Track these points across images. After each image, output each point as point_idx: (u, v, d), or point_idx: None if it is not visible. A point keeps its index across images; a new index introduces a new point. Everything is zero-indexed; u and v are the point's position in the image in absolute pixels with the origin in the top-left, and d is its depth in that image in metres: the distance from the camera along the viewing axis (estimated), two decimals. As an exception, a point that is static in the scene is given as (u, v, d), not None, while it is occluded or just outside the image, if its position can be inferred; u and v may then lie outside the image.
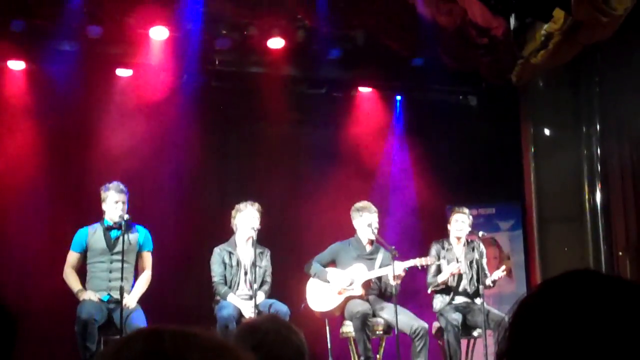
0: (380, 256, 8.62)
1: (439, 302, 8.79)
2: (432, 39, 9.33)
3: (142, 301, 8.04)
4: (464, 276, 8.83)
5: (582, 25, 8.86)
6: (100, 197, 8.08)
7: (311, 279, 8.70)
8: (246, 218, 8.40)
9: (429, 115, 11.29)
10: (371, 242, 8.75)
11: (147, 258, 8.20)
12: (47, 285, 8.67)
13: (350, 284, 8.53)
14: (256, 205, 8.46)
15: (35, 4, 8.71)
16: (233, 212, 8.52)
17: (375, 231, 8.55)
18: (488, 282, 8.63)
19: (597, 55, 10.35)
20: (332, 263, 8.79)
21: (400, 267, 8.29)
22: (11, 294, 8.22)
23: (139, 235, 8.12)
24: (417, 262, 8.48)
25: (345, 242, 8.84)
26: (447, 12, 9.08)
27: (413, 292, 9.16)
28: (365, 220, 8.62)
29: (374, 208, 8.71)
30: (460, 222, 8.88)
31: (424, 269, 8.69)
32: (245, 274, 8.38)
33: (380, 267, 8.56)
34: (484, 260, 8.85)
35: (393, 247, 8.26)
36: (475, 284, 8.69)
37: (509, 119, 10.95)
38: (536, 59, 9.53)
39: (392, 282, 8.29)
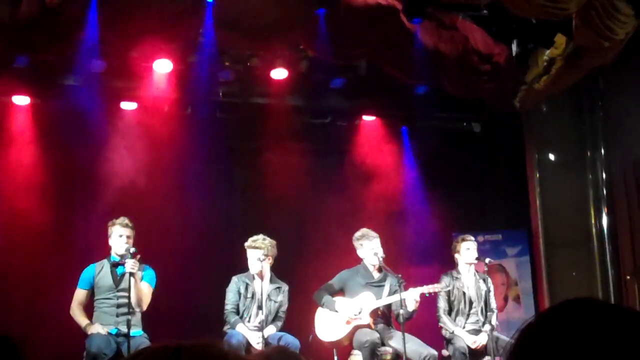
0: (388, 283, 8.59)
1: (447, 328, 8.77)
2: (434, 67, 9.35)
3: (150, 333, 8.02)
4: (474, 304, 8.81)
5: (584, 50, 8.88)
6: (107, 232, 8.09)
7: (320, 308, 8.68)
8: (250, 252, 8.42)
9: (433, 143, 11.30)
10: (379, 269, 8.73)
11: (146, 287, 8.13)
12: (55, 321, 8.69)
13: (358, 313, 8.50)
14: (264, 241, 8.45)
15: (40, 40, 8.75)
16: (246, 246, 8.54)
17: (381, 258, 8.53)
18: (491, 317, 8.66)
19: (599, 79, 10.37)
20: (341, 291, 8.77)
21: (415, 294, 8.29)
22: (19, 329, 8.24)
23: (144, 272, 8.11)
24: (426, 289, 8.46)
25: (353, 270, 8.83)
26: (448, 39, 9.10)
27: (422, 319, 9.11)
28: (367, 247, 8.62)
29: (372, 234, 8.70)
30: (471, 250, 8.86)
31: (431, 296, 8.66)
32: (259, 307, 8.35)
33: (388, 294, 8.53)
34: (492, 294, 8.83)
35: (399, 275, 8.25)
36: (483, 315, 8.65)
37: (513, 144, 10.95)
38: (539, 84, 9.54)
39: (409, 308, 8.27)
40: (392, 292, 8.47)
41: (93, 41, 8.71)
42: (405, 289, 8.42)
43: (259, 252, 8.37)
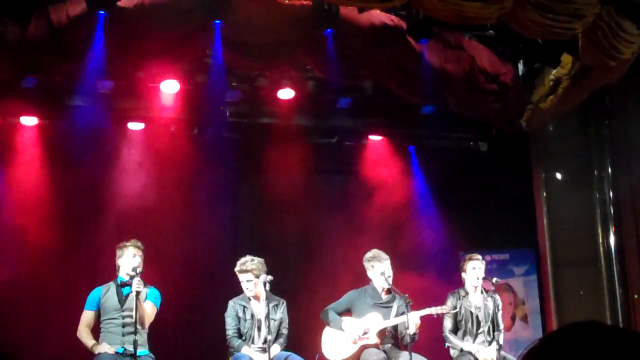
0: (396, 304, 8.55)
1: (455, 346, 8.75)
2: (440, 87, 9.36)
3: (156, 353, 8.02)
4: (482, 324, 8.79)
5: (590, 70, 8.89)
6: (116, 254, 8.10)
7: (326, 327, 8.67)
8: (241, 277, 8.39)
9: (440, 162, 11.30)
10: (387, 291, 8.71)
11: (150, 307, 8.11)
12: (62, 341, 8.69)
13: (365, 333, 8.49)
14: (252, 263, 8.43)
15: (48, 61, 8.79)
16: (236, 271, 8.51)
17: (390, 280, 8.52)
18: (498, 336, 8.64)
19: (606, 98, 10.37)
20: (348, 311, 8.75)
21: (415, 317, 8.26)
22: (26, 351, 8.25)
23: (149, 291, 8.11)
24: (433, 310, 8.45)
25: (361, 290, 8.81)
26: (455, 59, 9.13)
27: (429, 340, 9.09)
28: (377, 270, 8.59)
29: (384, 256, 8.67)
30: (478, 270, 8.84)
31: (439, 317, 8.65)
32: (259, 328, 8.34)
33: (395, 315, 8.50)
34: (500, 314, 8.81)
35: (406, 295, 8.23)
36: (491, 335, 8.61)
37: (520, 164, 10.94)
38: (545, 104, 9.56)
39: (410, 331, 8.24)
40: (399, 313, 8.43)
41: (100, 62, 8.75)
42: (413, 309, 8.42)
43: (248, 274, 8.33)
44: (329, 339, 8.63)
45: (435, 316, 8.55)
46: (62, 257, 9.59)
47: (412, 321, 8.21)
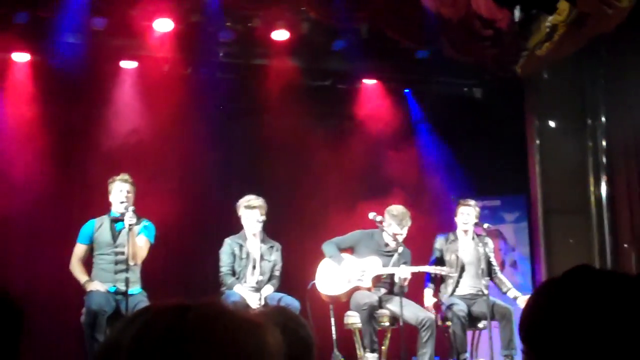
0: (397, 254, 8.53)
1: (443, 293, 8.81)
2: (436, 31, 9.30)
3: (149, 291, 8.05)
4: (470, 267, 8.84)
5: (587, 17, 8.85)
6: (107, 189, 8.10)
7: (324, 260, 8.70)
8: (248, 213, 8.40)
9: (433, 108, 11.29)
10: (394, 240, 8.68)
11: (144, 241, 8.10)
12: (54, 277, 8.74)
13: (362, 275, 8.53)
14: (258, 200, 8.45)
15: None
16: (237, 207, 8.52)
17: (399, 239, 8.50)
18: (504, 288, 8.69)
19: (602, 47, 10.32)
20: (350, 249, 8.78)
21: (408, 272, 8.33)
22: (18, 286, 8.28)
23: (142, 225, 8.11)
24: (431, 269, 8.55)
25: (368, 233, 8.83)
26: (451, 3, 9.06)
27: (421, 285, 9.14)
28: (392, 229, 8.53)
29: (406, 222, 8.61)
30: (465, 215, 8.91)
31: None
32: (254, 267, 8.37)
33: (393, 265, 8.50)
34: (492, 255, 8.86)
35: (409, 251, 8.44)
36: (486, 277, 8.63)
37: (513, 111, 10.92)
38: (541, 50, 9.52)
39: (403, 277, 8.30)
40: (398, 264, 8.43)
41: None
42: (413, 263, 8.51)
43: (257, 211, 8.36)
44: (325, 272, 8.66)
45: (432, 275, 8.66)
46: (54, 192, 9.59)
47: (404, 274, 8.29)
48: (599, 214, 10.51)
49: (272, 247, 8.51)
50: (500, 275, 8.93)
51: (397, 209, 8.64)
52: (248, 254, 8.41)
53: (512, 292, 8.75)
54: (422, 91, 11.46)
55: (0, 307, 2.36)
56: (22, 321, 2.40)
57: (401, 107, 11.24)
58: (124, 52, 10.04)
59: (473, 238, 8.92)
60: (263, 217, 8.31)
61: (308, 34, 10.01)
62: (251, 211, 8.37)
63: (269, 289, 8.28)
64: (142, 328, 1.38)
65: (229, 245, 8.47)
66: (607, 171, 10.54)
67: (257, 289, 8.12)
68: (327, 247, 8.71)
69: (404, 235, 8.61)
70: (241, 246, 8.44)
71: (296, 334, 2.94)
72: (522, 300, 8.50)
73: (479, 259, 8.75)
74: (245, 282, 8.35)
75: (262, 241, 8.37)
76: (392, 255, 8.59)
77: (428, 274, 8.81)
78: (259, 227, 8.30)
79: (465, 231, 8.95)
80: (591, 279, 1.67)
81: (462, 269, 8.85)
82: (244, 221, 8.48)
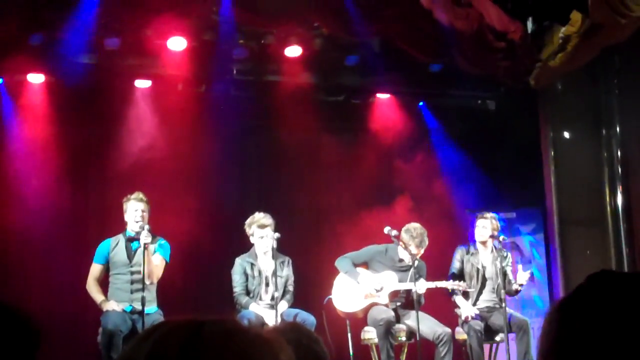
0: (413, 269, 8.48)
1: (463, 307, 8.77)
2: (450, 44, 9.31)
3: (165, 310, 8.07)
4: (490, 282, 8.82)
5: (600, 27, 8.83)
6: (123, 208, 8.13)
7: (340, 275, 8.68)
8: (261, 232, 8.40)
9: (447, 121, 11.29)
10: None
11: (159, 260, 8.11)
12: (71, 296, 8.77)
13: (379, 291, 8.51)
14: (267, 218, 8.44)
15: (54, 18, 8.76)
16: (246, 226, 8.52)
17: (415, 258, 8.46)
18: (515, 286, 8.59)
19: (615, 57, 10.30)
20: (364, 264, 8.77)
21: (424, 287, 8.31)
22: (35, 305, 8.28)
23: (158, 244, 8.13)
24: (449, 284, 8.52)
25: (382, 247, 8.81)
26: (464, 16, 9.06)
27: (437, 299, 9.11)
28: (411, 249, 8.47)
29: (425, 242, 8.53)
30: (481, 228, 8.92)
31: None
32: (267, 284, 8.38)
33: (410, 280, 8.45)
34: (509, 269, 8.83)
35: (424, 264, 8.46)
36: (502, 290, 8.59)
37: (528, 122, 10.89)
38: (554, 61, 9.50)
39: (420, 291, 8.27)
40: (414, 279, 8.37)
41: (105, 18, 8.73)
42: (430, 279, 8.48)
43: (267, 229, 8.36)
44: (341, 288, 8.65)
45: (450, 290, 8.63)
46: (70, 211, 9.64)
47: (421, 289, 8.26)
48: (615, 225, 10.46)
49: (283, 262, 8.50)
50: (513, 285, 8.82)
51: (415, 230, 8.53)
52: (260, 272, 8.42)
53: (518, 281, 8.64)
54: (436, 104, 11.46)
55: (18, 327, 2.37)
56: (39, 341, 2.41)
57: (415, 120, 11.24)
58: (137, 71, 10.09)
59: (492, 251, 8.90)
60: (277, 234, 8.31)
61: (321, 50, 10.05)
62: (264, 230, 8.37)
63: (283, 305, 8.27)
64: (156, 345, 1.39)
65: (239, 264, 8.48)
66: (622, 181, 10.49)
67: (273, 306, 8.12)
68: (342, 262, 8.70)
69: (421, 254, 8.59)
70: (252, 264, 8.44)
71: (310, 349, 2.94)
72: (523, 275, 8.49)
73: (497, 273, 8.72)
74: (260, 300, 8.35)
75: (273, 257, 8.38)
76: (406, 270, 8.56)
77: None
78: (270, 243, 8.31)
79: (484, 243, 8.93)
80: (617, 283, 1.67)
81: (484, 282, 8.83)
82: (254, 240, 8.46)
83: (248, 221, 8.48)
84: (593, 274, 1.71)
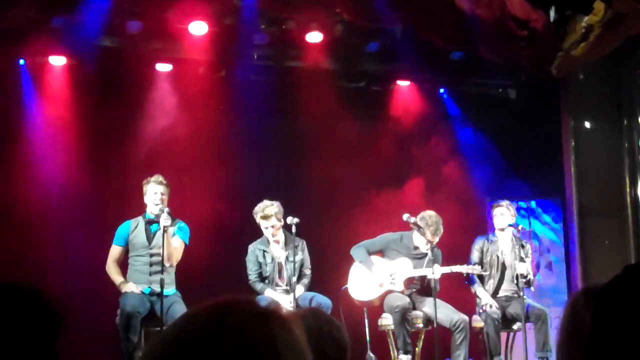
0: (428, 256, 8.50)
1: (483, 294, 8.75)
2: (471, 32, 9.28)
3: (183, 292, 8.11)
4: (509, 270, 8.80)
5: (623, 17, 8.78)
6: (142, 190, 8.16)
7: (355, 264, 8.71)
8: (264, 223, 8.42)
9: (468, 109, 11.26)
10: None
11: (178, 242, 8.15)
12: (90, 278, 8.82)
13: (393, 279, 8.53)
14: (272, 207, 8.44)
15: (77, 0, 8.79)
16: (254, 214, 8.53)
17: (432, 244, 8.45)
18: (521, 284, 8.52)
19: (637, 47, 10.24)
20: (380, 252, 8.79)
21: (439, 272, 8.31)
22: (54, 286, 8.36)
23: (177, 227, 8.16)
24: (464, 269, 8.50)
25: (397, 235, 8.82)
26: (486, 4, 9.03)
27: (453, 286, 9.11)
28: (427, 236, 8.47)
29: (440, 230, 8.55)
30: (499, 216, 8.93)
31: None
32: (280, 270, 8.41)
33: (426, 266, 8.46)
34: (529, 260, 8.77)
35: (440, 251, 8.57)
36: (522, 280, 8.55)
37: (549, 111, 10.87)
38: (576, 51, 9.46)
39: (435, 277, 8.26)
40: (429, 265, 8.38)
41: (127, 2, 8.75)
42: (445, 264, 8.48)
43: (273, 219, 8.35)
44: (356, 277, 8.68)
45: (464, 274, 8.61)
46: (90, 193, 9.66)
47: (437, 274, 8.26)
48: (634, 216, 10.40)
49: (296, 246, 8.47)
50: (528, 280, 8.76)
51: (431, 218, 8.54)
52: (273, 259, 8.44)
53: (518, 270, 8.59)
54: (457, 92, 11.43)
55: (38, 310, 2.39)
56: (60, 325, 2.43)
57: (435, 108, 11.22)
58: (159, 55, 10.11)
59: (511, 239, 8.89)
60: (280, 223, 8.33)
61: (342, 36, 10.04)
62: (268, 221, 8.37)
63: (300, 290, 8.29)
64: (181, 332, 1.41)
65: (252, 252, 8.51)
66: (643, 172, 10.44)
67: (288, 291, 8.15)
68: (357, 251, 8.71)
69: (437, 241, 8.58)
70: (264, 252, 8.46)
71: (331, 335, 2.96)
72: (521, 265, 8.47)
73: (516, 261, 8.69)
74: (276, 286, 8.38)
75: (285, 243, 8.39)
76: (422, 258, 8.57)
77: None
78: (277, 233, 8.33)
79: (502, 230, 8.92)
80: None
81: (503, 269, 8.82)
82: (262, 228, 8.48)
83: (255, 209, 8.48)
84: (630, 265, 1.70)
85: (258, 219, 8.44)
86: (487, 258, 8.84)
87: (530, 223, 10.57)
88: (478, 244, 8.94)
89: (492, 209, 9.06)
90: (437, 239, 8.53)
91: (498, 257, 8.83)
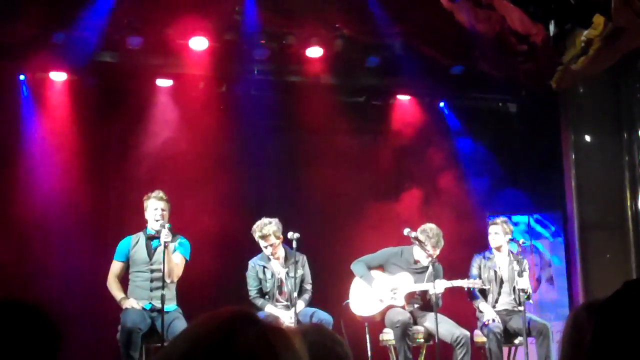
0: (429, 270, 8.50)
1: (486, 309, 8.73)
2: (471, 47, 9.30)
3: (184, 308, 8.08)
4: (507, 284, 8.79)
5: (622, 31, 8.79)
6: (143, 206, 8.15)
7: (356, 279, 8.69)
8: (262, 242, 8.40)
9: (468, 123, 11.27)
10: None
11: (179, 258, 8.11)
12: (91, 293, 8.81)
13: (394, 294, 8.51)
14: (270, 226, 8.41)
15: (76, 16, 8.82)
16: (253, 233, 8.51)
17: (432, 259, 8.44)
18: (522, 298, 8.49)
19: (637, 61, 10.25)
20: (380, 267, 8.77)
21: (443, 285, 8.29)
22: (55, 302, 8.34)
23: (178, 243, 8.14)
24: (464, 283, 8.48)
25: (397, 250, 8.81)
26: (485, 19, 9.05)
27: (455, 302, 9.10)
28: (427, 249, 8.46)
29: (441, 243, 8.55)
30: (494, 234, 8.90)
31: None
32: (280, 286, 8.39)
33: (427, 281, 8.45)
34: (526, 274, 8.75)
35: (440, 265, 8.47)
36: (517, 297, 8.56)
37: (549, 125, 10.88)
38: (576, 65, 9.46)
39: (433, 291, 8.25)
40: (430, 279, 8.37)
41: (128, 17, 8.77)
42: (445, 277, 8.46)
43: (271, 238, 8.31)
44: (357, 293, 8.66)
45: (465, 289, 8.60)
46: (91, 209, 9.67)
47: (439, 289, 8.25)
48: (635, 229, 10.39)
49: (297, 262, 8.43)
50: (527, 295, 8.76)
51: (432, 230, 8.54)
52: (273, 274, 8.42)
53: (519, 286, 8.58)
54: (457, 106, 11.44)
55: (39, 327, 2.39)
56: (60, 342, 2.43)
57: (436, 122, 11.23)
58: (159, 71, 10.13)
59: (508, 255, 8.88)
60: (279, 240, 8.31)
61: (342, 51, 10.06)
62: (265, 241, 8.33)
63: (300, 305, 8.27)
64: (190, 345, 1.41)
65: (252, 268, 8.48)
66: (643, 186, 10.44)
67: (289, 306, 8.13)
68: (357, 266, 8.69)
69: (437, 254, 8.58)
70: (264, 267, 8.43)
71: (334, 351, 2.94)
72: (522, 280, 8.46)
73: (514, 277, 8.69)
74: (276, 302, 8.36)
75: (285, 258, 8.38)
76: (422, 272, 8.56)
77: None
78: (277, 251, 8.32)
79: (498, 248, 8.91)
80: None
81: (501, 284, 8.81)
82: (261, 247, 8.45)
83: (253, 227, 8.43)
84: (630, 281, 1.71)
85: (257, 237, 8.41)
86: (485, 274, 8.83)
87: (530, 237, 10.55)
88: (476, 262, 8.93)
89: (488, 226, 9.05)
90: (437, 252, 8.53)
91: (496, 272, 8.82)
